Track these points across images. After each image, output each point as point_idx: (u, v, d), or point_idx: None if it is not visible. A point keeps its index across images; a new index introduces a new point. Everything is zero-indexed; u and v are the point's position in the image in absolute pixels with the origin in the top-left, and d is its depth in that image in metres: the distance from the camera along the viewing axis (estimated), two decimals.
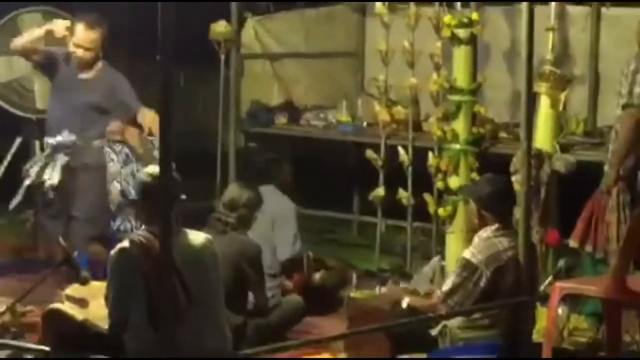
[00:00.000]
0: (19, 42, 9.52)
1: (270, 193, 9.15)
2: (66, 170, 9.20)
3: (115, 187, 9.21)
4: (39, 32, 9.43)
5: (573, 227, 8.71)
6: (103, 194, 9.28)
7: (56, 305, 7.39)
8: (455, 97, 8.96)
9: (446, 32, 8.96)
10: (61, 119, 9.41)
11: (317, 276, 9.32)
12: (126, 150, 9.40)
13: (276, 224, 9.12)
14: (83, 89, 9.38)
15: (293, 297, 8.80)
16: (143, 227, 6.96)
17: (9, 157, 11.39)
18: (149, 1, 6.06)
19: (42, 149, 11.33)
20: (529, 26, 6.55)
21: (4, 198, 11.22)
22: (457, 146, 8.89)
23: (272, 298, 8.58)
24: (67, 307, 7.36)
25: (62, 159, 9.24)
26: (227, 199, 8.55)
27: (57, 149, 9.31)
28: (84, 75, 9.39)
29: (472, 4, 9.14)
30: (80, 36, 9.19)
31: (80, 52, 9.20)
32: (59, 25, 9.25)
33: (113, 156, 9.43)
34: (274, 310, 8.42)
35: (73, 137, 9.37)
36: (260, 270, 8.38)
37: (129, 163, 9.19)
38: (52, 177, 9.20)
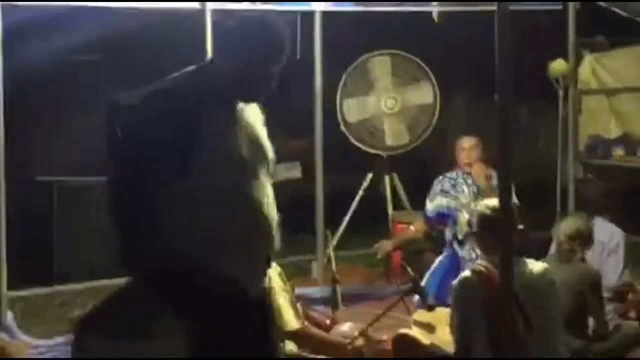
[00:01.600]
0: None
1: (601, 223, 9.07)
2: None
3: (464, 217, 9.27)
4: None
5: None
6: None
7: (405, 330, 7.53)
8: None
9: None
10: None
11: None
12: (475, 185, 9.49)
13: (605, 252, 8.97)
14: None
15: (632, 323, 8.60)
16: (483, 256, 7.03)
17: (361, 192, 11.64)
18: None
19: (391, 184, 11.55)
20: None
21: (358, 229, 11.45)
22: None
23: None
24: (415, 332, 7.50)
25: None
26: (569, 229, 8.50)
27: None
28: None
29: None
30: None
31: None
32: None
33: (464, 187, 9.58)
34: (613, 334, 8.30)
35: None
36: (600, 295, 8.29)
37: (477, 197, 9.23)
38: None
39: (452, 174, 9.80)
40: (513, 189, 7.03)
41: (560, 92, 11.33)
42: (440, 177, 9.86)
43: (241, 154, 5.18)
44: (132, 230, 5.10)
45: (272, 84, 5.42)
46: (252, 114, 5.35)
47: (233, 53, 5.23)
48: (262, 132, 5.42)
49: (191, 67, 5.43)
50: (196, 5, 8.79)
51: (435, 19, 8.83)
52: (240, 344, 5.08)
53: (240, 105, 5.27)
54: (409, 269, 9.02)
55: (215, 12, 8.07)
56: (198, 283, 5.01)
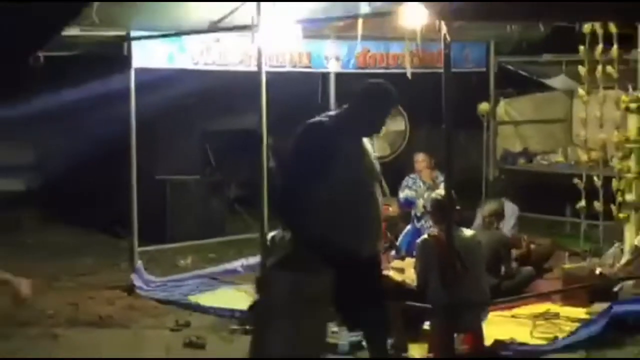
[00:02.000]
0: None
1: (506, 203, 9.28)
2: None
3: (420, 202, 9.40)
4: None
5: None
6: None
7: (386, 272, 7.41)
8: (629, 145, 8.72)
9: (622, 106, 8.73)
10: None
11: (532, 247, 9.21)
12: (426, 182, 9.62)
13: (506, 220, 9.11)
14: None
15: (528, 268, 8.63)
16: (434, 226, 7.09)
17: None
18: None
19: (382, 192, 11.53)
20: None
21: None
22: (630, 175, 8.65)
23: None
24: (393, 273, 7.48)
25: None
26: (489, 209, 8.59)
27: None
28: None
29: None
30: None
31: None
32: None
33: (421, 184, 9.69)
34: (517, 275, 8.39)
35: None
36: (508, 251, 8.38)
37: (428, 190, 9.35)
38: None
39: (414, 175, 9.92)
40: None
41: (485, 123, 11.31)
42: (407, 177, 9.97)
43: (365, 169, 5.49)
44: (297, 216, 5.33)
45: (383, 125, 5.71)
46: (367, 144, 5.60)
47: (362, 104, 5.52)
48: (374, 156, 5.74)
49: (336, 111, 5.84)
50: (254, 68, 8.80)
51: (409, 77, 8.91)
52: (360, 283, 5.35)
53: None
54: (389, 234, 9.14)
55: (268, 73, 8.04)
56: (338, 246, 5.29)
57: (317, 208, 5.29)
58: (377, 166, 5.73)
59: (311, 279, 5.07)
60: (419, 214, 9.48)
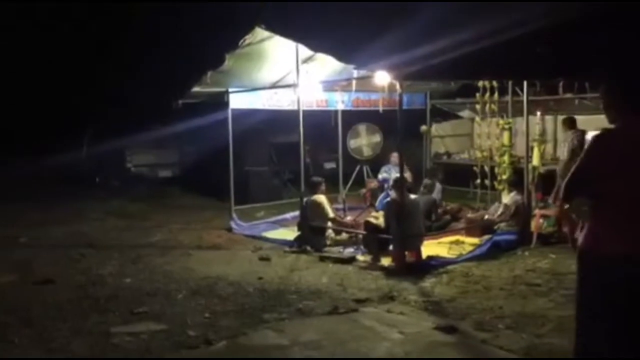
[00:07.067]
0: None
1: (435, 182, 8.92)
2: None
3: (390, 180, 9.25)
4: None
5: None
6: None
7: (369, 218, 7.43)
8: (503, 148, 8.56)
9: (500, 127, 8.68)
10: None
11: (448, 207, 8.93)
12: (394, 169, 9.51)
13: (435, 190, 8.81)
14: None
15: (447, 216, 8.46)
16: (395, 193, 6.99)
17: (355, 173, 11.30)
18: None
19: (366, 169, 11.32)
20: None
21: (353, 185, 11.08)
22: (504, 165, 8.50)
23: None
24: (372, 219, 7.35)
25: None
26: (425, 184, 8.59)
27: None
28: None
29: None
30: None
31: None
32: None
33: (393, 171, 9.46)
34: (440, 221, 8.30)
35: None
36: (436, 208, 8.39)
37: (395, 174, 9.24)
38: None
39: (388, 165, 9.77)
40: (408, 171, 6.99)
41: (425, 137, 11.25)
42: (383, 166, 9.84)
43: None
44: None
45: None
46: None
47: None
48: None
49: None
50: (296, 108, 8.81)
51: (381, 112, 8.97)
52: None
53: None
54: (370, 199, 9.15)
55: (304, 111, 8.06)
56: None
57: None
58: None
59: None
60: (389, 187, 9.43)
